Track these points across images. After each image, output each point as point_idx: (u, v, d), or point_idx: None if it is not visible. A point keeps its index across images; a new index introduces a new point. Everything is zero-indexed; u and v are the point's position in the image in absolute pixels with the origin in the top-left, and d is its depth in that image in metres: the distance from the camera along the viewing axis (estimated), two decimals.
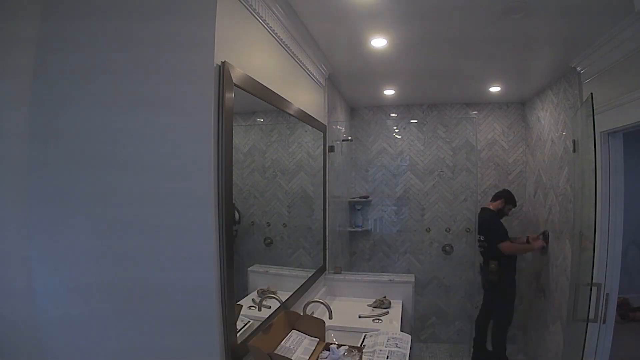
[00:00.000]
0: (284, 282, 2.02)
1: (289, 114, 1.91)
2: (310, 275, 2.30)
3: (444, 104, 3.92)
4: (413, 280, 2.70)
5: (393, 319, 2.29)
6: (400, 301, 2.58)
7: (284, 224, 2.20)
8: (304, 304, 2.03)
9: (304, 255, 2.42)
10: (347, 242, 3.82)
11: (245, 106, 1.50)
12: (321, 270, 2.59)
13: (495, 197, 3.33)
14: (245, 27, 1.43)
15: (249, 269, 1.71)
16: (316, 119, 2.44)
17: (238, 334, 1.33)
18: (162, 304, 1.20)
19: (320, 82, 2.57)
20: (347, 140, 3.58)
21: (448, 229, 3.83)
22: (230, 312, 1.24)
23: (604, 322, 1.94)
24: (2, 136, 1.22)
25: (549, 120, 3.07)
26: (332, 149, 2.80)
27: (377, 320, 2.25)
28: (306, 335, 1.77)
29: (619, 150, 2.01)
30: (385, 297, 2.54)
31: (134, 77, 1.22)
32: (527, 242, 3.18)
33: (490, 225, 3.15)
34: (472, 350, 3.35)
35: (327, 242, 2.73)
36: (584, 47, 2.16)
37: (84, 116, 1.25)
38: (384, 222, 3.96)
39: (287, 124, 2.12)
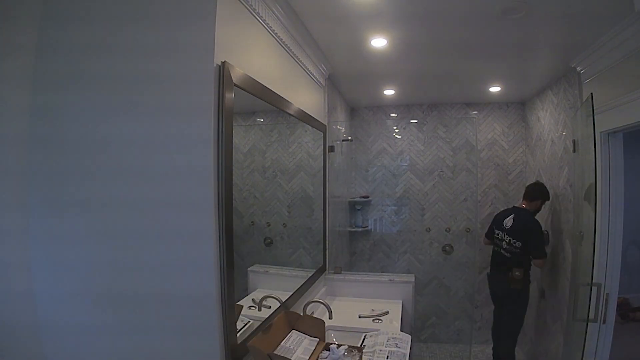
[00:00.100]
0: (284, 282, 2.02)
1: (289, 114, 1.91)
2: (310, 275, 2.30)
3: (444, 104, 3.92)
4: (413, 280, 2.70)
5: (393, 319, 2.29)
6: (400, 301, 2.58)
7: (284, 224, 2.20)
8: (304, 304, 2.03)
9: (304, 255, 2.42)
10: (347, 242, 3.82)
11: (245, 106, 1.50)
12: (321, 270, 2.59)
13: (532, 197, 2.87)
14: (245, 27, 1.43)
15: (249, 269, 1.71)
16: (316, 119, 2.44)
17: (238, 334, 1.33)
18: (162, 304, 1.20)
19: (320, 82, 2.57)
20: (347, 140, 3.58)
21: (448, 229, 3.83)
22: (230, 312, 1.24)
23: (604, 322, 1.94)
24: (2, 142, 1.22)
25: (549, 120, 3.07)
26: (332, 149, 2.80)
27: (377, 320, 2.25)
28: (306, 335, 1.77)
29: (619, 150, 2.01)
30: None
31: (134, 77, 1.22)
32: None
33: (534, 233, 2.74)
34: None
35: (327, 242, 2.73)
36: (584, 47, 2.16)
37: (83, 123, 1.25)
38: (384, 222, 3.96)
39: (287, 124, 2.12)
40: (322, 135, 2.64)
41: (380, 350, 1.77)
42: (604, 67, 2.08)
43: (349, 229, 3.79)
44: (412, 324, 2.71)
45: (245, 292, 1.62)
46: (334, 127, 3.00)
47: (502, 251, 2.88)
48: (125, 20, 1.24)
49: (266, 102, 1.60)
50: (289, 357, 1.56)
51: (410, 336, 1.99)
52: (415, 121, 3.96)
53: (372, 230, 3.96)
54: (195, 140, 1.18)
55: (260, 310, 1.65)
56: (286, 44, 1.83)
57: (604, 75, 2.11)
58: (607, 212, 1.99)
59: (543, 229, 2.91)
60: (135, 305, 1.22)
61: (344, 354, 1.67)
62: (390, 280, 2.70)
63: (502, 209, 3.19)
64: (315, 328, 1.79)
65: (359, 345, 1.82)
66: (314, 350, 1.71)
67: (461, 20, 1.88)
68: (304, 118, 2.18)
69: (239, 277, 1.43)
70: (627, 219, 1.99)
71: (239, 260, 1.43)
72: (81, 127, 1.25)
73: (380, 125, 4.05)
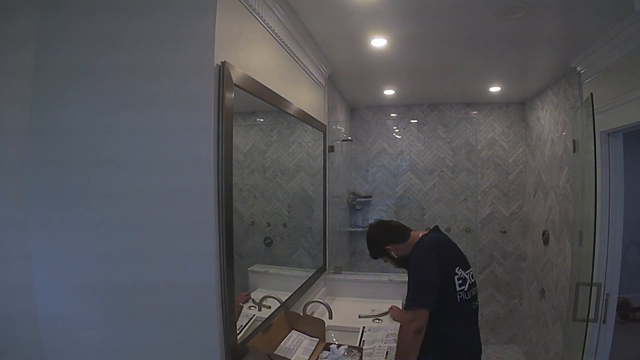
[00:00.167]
0: (284, 282, 2.02)
1: (289, 114, 1.91)
2: (310, 275, 2.30)
3: (444, 104, 3.92)
4: None
5: None
6: (400, 301, 2.58)
7: (284, 224, 2.20)
8: (304, 304, 2.03)
9: (304, 255, 2.42)
10: (347, 242, 3.82)
11: (245, 106, 1.50)
12: (321, 270, 2.59)
13: None
14: (245, 27, 1.43)
15: (249, 269, 1.71)
16: (316, 119, 2.44)
17: (238, 334, 1.33)
18: (162, 304, 1.20)
19: (320, 82, 2.57)
20: (347, 140, 3.58)
21: (448, 229, 3.83)
22: (230, 312, 1.24)
23: (604, 322, 1.94)
24: (2, 134, 1.21)
25: (549, 120, 3.07)
26: (332, 149, 2.80)
27: (377, 320, 2.25)
28: (306, 335, 1.77)
29: (619, 150, 2.01)
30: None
31: (134, 77, 1.22)
32: None
33: None
34: None
35: (327, 242, 2.73)
36: (584, 47, 2.16)
37: (84, 116, 1.25)
38: None
39: (287, 124, 2.12)
40: (322, 135, 2.64)
41: (380, 347, 1.77)
42: (604, 67, 2.08)
43: (349, 229, 3.79)
44: None
45: (245, 292, 1.62)
46: (334, 127, 3.00)
47: (473, 289, 1.71)
48: (126, 16, 1.24)
49: (266, 102, 1.60)
50: (289, 357, 1.56)
51: None
52: (415, 121, 3.96)
53: None
54: (196, 139, 1.17)
55: (260, 310, 1.65)
56: (286, 44, 1.83)
57: (604, 75, 2.12)
58: (607, 212, 1.99)
59: (543, 229, 2.87)
60: (134, 303, 1.22)
61: (344, 353, 1.67)
62: (390, 280, 2.70)
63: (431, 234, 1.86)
64: (315, 328, 1.79)
65: (358, 345, 1.82)
66: (314, 350, 1.71)
67: (461, 20, 1.88)
68: (304, 118, 2.18)
69: (239, 277, 1.43)
70: (627, 218, 1.99)
71: (239, 260, 1.43)
72: (81, 120, 1.25)
73: (380, 125, 4.04)
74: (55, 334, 1.27)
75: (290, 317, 1.79)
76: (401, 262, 1.82)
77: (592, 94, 2.01)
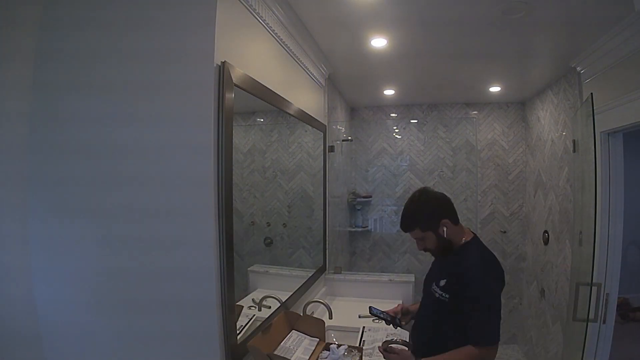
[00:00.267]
0: (284, 282, 2.02)
1: (289, 114, 1.91)
2: (310, 275, 2.30)
3: (444, 104, 3.92)
4: (413, 280, 2.70)
5: None
6: (400, 301, 2.58)
7: (284, 224, 2.20)
8: (304, 304, 2.03)
9: (304, 255, 2.42)
10: (347, 242, 3.82)
11: (245, 106, 1.50)
12: (321, 270, 2.59)
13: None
14: (245, 27, 1.43)
15: (249, 269, 1.71)
16: (316, 119, 2.44)
17: (238, 334, 1.33)
18: (162, 307, 1.20)
19: (320, 82, 2.57)
20: (347, 140, 3.58)
21: None
22: (230, 312, 1.24)
23: (604, 322, 1.94)
24: (2, 148, 1.22)
25: (549, 120, 3.07)
26: (332, 149, 2.80)
27: (377, 320, 2.25)
28: (306, 335, 1.77)
29: (619, 150, 2.01)
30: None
31: (134, 77, 1.22)
32: None
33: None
34: None
35: (327, 242, 2.73)
36: (584, 47, 2.16)
37: (83, 122, 1.25)
38: (384, 222, 3.96)
39: (287, 124, 2.12)
40: (322, 135, 2.64)
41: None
42: (604, 67, 2.08)
43: (349, 229, 3.79)
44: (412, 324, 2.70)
45: (245, 292, 1.62)
46: (334, 127, 3.00)
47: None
48: (125, 19, 1.24)
49: (266, 102, 1.60)
50: (289, 357, 1.56)
51: (408, 332, 1.99)
52: (415, 121, 3.96)
53: (372, 230, 3.96)
54: (195, 143, 1.18)
55: (260, 310, 1.65)
56: (286, 44, 1.83)
57: (604, 75, 2.11)
58: (607, 212, 1.99)
59: (543, 229, 2.86)
60: (135, 309, 1.22)
61: (344, 353, 1.67)
62: (390, 280, 2.70)
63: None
64: (315, 328, 1.79)
65: (358, 345, 1.82)
66: (314, 350, 1.71)
67: (461, 20, 1.88)
68: (304, 118, 2.17)
69: (239, 277, 1.43)
70: (627, 218, 1.99)
71: (239, 261, 1.43)
72: (81, 133, 1.25)
73: (380, 125, 4.04)
74: (57, 347, 1.27)
75: (290, 317, 1.79)
76: (444, 248, 1.53)
77: (592, 94, 2.01)
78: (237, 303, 1.40)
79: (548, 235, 3.02)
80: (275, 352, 1.54)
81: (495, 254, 1.57)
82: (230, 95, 1.24)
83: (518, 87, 3.28)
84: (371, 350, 1.77)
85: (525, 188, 3.71)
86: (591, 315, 1.91)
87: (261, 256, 1.94)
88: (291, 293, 1.94)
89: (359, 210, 3.86)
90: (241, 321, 1.43)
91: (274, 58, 1.74)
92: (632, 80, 1.81)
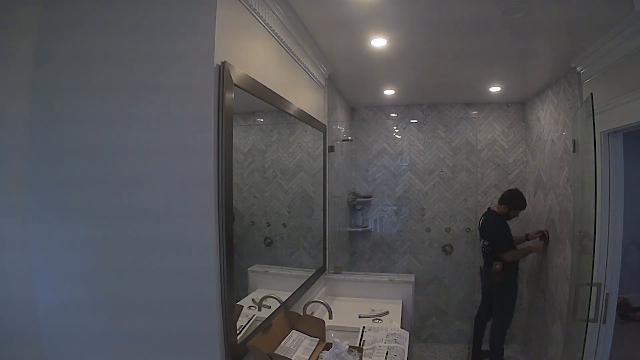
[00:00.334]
0: (284, 282, 2.02)
1: (289, 114, 1.91)
2: (310, 275, 2.30)
3: (444, 104, 3.92)
4: (413, 280, 2.70)
5: (393, 318, 2.29)
6: (400, 301, 2.58)
7: (284, 224, 2.20)
8: (304, 304, 2.03)
9: (304, 255, 2.42)
10: (347, 242, 3.82)
11: (245, 106, 1.50)
12: (321, 270, 2.59)
13: (501, 201, 3.22)
14: (245, 27, 1.43)
15: (249, 269, 1.71)
16: (316, 119, 2.44)
17: (238, 334, 1.33)
18: (163, 306, 1.20)
19: (320, 82, 2.57)
20: (347, 140, 3.58)
21: (448, 229, 3.83)
22: (230, 312, 1.24)
23: (604, 322, 1.94)
24: (2, 149, 1.22)
25: (549, 120, 3.07)
26: (332, 149, 2.80)
27: (377, 320, 2.25)
28: (306, 335, 1.77)
29: (619, 150, 2.01)
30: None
31: (134, 77, 1.22)
32: (527, 239, 3.21)
33: (496, 232, 3.09)
34: (470, 348, 3.33)
35: (327, 242, 2.73)
36: (584, 47, 2.16)
37: (83, 124, 1.25)
38: (384, 222, 3.96)
39: (287, 124, 2.12)
40: (322, 135, 2.64)
41: (380, 347, 1.78)
42: (604, 67, 2.08)
43: (349, 229, 3.79)
44: (412, 324, 2.71)
45: (245, 292, 1.62)
46: (334, 127, 3.00)
47: (483, 248, 3.23)
48: (124, 20, 1.24)
49: (266, 102, 1.60)
50: (289, 357, 1.56)
51: (408, 332, 1.99)
52: (415, 121, 3.96)
53: (372, 230, 3.96)
54: (195, 143, 1.17)
55: (260, 310, 1.65)
56: (286, 44, 1.83)
57: (604, 75, 2.12)
58: (607, 212, 1.99)
59: (542, 228, 2.91)
60: (135, 309, 1.22)
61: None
62: (390, 280, 2.70)
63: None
64: (316, 328, 1.79)
65: (358, 345, 1.82)
66: (314, 350, 1.71)
67: (461, 20, 1.88)
68: (304, 118, 2.18)
69: (239, 278, 1.43)
70: (627, 218, 1.99)
71: (239, 261, 1.43)
72: (81, 134, 1.25)
73: (380, 125, 4.04)
74: (57, 349, 1.27)
75: (290, 317, 1.80)
76: None
77: (592, 94, 2.01)
78: (237, 303, 1.40)
79: (548, 235, 3.02)
80: (276, 352, 1.55)
81: None
82: (230, 95, 1.24)
83: (518, 87, 3.28)
84: (371, 351, 1.77)
85: (525, 188, 3.70)
86: (591, 315, 1.91)
87: (261, 256, 1.94)
88: (291, 293, 1.94)
89: (359, 210, 3.86)
90: (241, 321, 1.43)
91: (274, 58, 1.74)
92: (632, 80, 1.81)
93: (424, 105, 3.95)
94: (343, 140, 3.34)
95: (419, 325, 3.82)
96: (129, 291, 1.23)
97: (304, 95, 2.23)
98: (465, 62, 2.57)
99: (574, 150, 2.43)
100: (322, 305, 2.02)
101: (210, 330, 1.18)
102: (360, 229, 3.83)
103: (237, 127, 1.33)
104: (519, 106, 3.77)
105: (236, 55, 1.30)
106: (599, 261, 1.95)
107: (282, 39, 1.76)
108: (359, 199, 3.78)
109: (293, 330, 1.77)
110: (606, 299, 1.94)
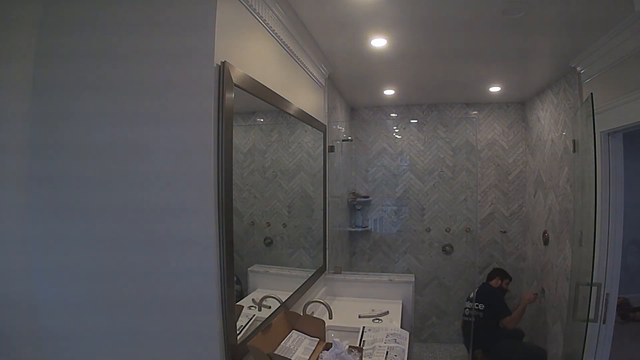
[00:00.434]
0: (284, 282, 2.02)
1: (289, 114, 1.91)
2: (310, 275, 2.30)
3: (444, 104, 3.92)
4: (413, 280, 2.70)
5: (393, 318, 2.29)
6: (400, 301, 2.58)
7: (284, 224, 2.20)
8: (304, 304, 2.03)
9: (304, 255, 2.42)
10: (347, 242, 3.82)
11: (245, 106, 1.50)
12: (321, 270, 2.59)
13: (490, 276, 3.35)
14: (246, 27, 1.43)
15: (249, 269, 1.71)
16: (316, 119, 2.44)
17: (238, 334, 1.33)
18: (163, 305, 1.20)
19: (320, 82, 2.57)
20: (347, 140, 3.58)
21: (448, 229, 3.83)
22: (230, 312, 1.24)
23: (604, 322, 1.94)
24: (2, 148, 1.22)
25: (549, 120, 3.07)
26: (332, 149, 2.80)
27: (377, 320, 2.25)
28: (306, 335, 1.77)
29: (619, 150, 2.01)
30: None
31: (134, 77, 1.22)
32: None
33: (497, 297, 3.12)
34: (470, 348, 3.29)
35: (327, 242, 2.73)
36: (584, 47, 2.16)
37: (83, 122, 1.25)
38: (384, 222, 3.96)
39: (287, 124, 2.12)
40: (322, 135, 2.64)
41: (380, 347, 1.78)
42: (604, 67, 2.08)
43: (349, 229, 3.79)
44: (412, 324, 2.71)
45: (245, 292, 1.62)
46: (334, 127, 3.00)
47: (468, 314, 3.22)
48: (125, 19, 1.24)
49: (266, 102, 1.60)
50: (289, 357, 1.56)
51: (408, 332, 1.99)
52: (415, 121, 3.96)
53: (372, 230, 3.96)
54: (195, 143, 1.17)
55: (260, 310, 1.65)
56: (286, 44, 1.83)
57: (604, 75, 2.12)
58: (607, 212, 1.99)
59: (543, 229, 2.91)
60: (135, 309, 1.22)
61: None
62: (390, 280, 2.70)
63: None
64: (316, 328, 1.79)
65: (358, 345, 1.82)
66: (314, 350, 1.71)
67: (461, 20, 1.88)
68: (304, 118, 2.18)
69: (239, 278, 1.43)
70: (627, 218, 1.99)
71: (239, 260, 1.43)
72: (81, 133, 1.25)
73: (380, 125, 4.05)
74: (57, 348, 1.27)
75: (290, 317, 1.79)
76: None
77: (592, 94, 2.01)
78: (237, 303, 1.40)
79: (548, 235, 3.02)
80: (276, 352, 1.54)
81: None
82: (230, 95, 1.24)
83: (518, 87, 3.28)
84: (371, 351, 1.77)
85: (525, 188, 3.71)
86: (591, 315, 1.91)
87: (261, 256, 1.94)
88: (291, 293, 1.94)
89: (359, 210, 3.86)
90: (241, 321, 1.43)
91: (273, 58, 1.74)
92: (632, 80, 1.81)
93: (424, 105, 3.95)
94: (343, 140, 3.34)
95: (419, 325, 3.82)
96: (129, 290, 1.22)
97: (304, 95, 2.23)
98: (465, 62, 2.57)
99: (574, 150, 2.43)
100: (322, 305, 2.02)
101: (210, 330, 1.18)
102: (360, 229, 3.83)
103: (237, 127, 1.33)
104: (519, 106, 3.77)
105: (236, 55, 1.30)
106: (599, 261, 1.95)
107: (282, 39, 1.76)
108: (359, 199, 3.78)
109: (293, 330, 1.77)
110: (606, 299, 1.94)
